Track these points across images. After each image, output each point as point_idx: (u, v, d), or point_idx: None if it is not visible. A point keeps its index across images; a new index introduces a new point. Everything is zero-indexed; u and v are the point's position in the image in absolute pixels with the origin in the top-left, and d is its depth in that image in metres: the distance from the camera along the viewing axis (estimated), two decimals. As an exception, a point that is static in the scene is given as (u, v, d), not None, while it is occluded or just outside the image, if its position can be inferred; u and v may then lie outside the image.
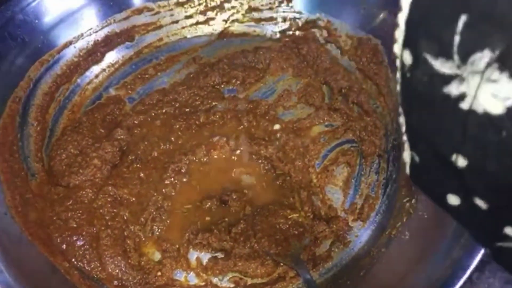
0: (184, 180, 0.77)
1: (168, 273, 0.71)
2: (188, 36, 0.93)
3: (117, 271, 0.70)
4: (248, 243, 0.71)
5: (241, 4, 0.93)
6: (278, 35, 0.93)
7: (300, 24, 0.92)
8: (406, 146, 0.32)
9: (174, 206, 0.75)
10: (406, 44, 0.29)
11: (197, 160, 0.79)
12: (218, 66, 0.89)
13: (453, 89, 0.26)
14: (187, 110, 0.85)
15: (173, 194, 0.76)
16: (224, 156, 0.80)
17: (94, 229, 0.72)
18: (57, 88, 0.83)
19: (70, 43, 0.84)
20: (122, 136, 0.80)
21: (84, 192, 0.74)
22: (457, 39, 0.25)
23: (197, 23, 0.93)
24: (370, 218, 0.76)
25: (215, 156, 0.80)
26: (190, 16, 0.93)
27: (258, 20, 0.94)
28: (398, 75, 0.30)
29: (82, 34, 0.86)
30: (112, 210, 0.74)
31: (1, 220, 0.67)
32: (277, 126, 0.83)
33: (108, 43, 0.88)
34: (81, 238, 0.71)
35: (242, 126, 0.82)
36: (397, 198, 0.76)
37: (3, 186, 0.70)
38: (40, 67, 0.81)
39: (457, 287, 0.58)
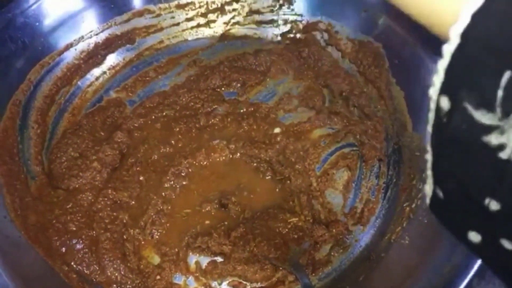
0: (184, 183, 0.77)
1: (167, 277, 0.71)
2: (189, 38, 0.93)
3: (116, 274, 0.70)
4: (248, 247, 0.71)
5: (242, 6, 0.93)
6: (279, 38, 0.93)
7: (301, 27, 0.92)
8: (429, 180, 0.32)
9: (173, 209, 0.75)
10: (444, 91, 0.29)
11: (197, 164, 0.79)
12: (219, 68, 0.89)
13: (492, 139, 0.27)
14: (188, 113, 0.84)
15: (173, 197, 0.76)
16: (224, 159, 0.79)
17: (94, 232, 0.72)
18: (57, 90, 0.83)
19: (70, 45, 0.84)
20: (122, 139, 0.80)
21: (83, 195, 0.74)
22: (500, 93, 0.25)
23: (198, 25, 0.93)
24: (370, 222, 0.76)
25: (215, 160, 0.79)
26: (191, 19, 0.93)
27: (259, 23, 0.94)
28: (431, 115, 0.30)
29: (82, 37, 0.86)
30: (111, 214, 0.74)
31: (0, 223, 0.66)
32: (277, 130, 0.83)
33: (108, 45, 0.88)
34: (81, 242, 0.71)
35: (242, 129, 0.82)
36: (397, 203, 0.75)
37: (2, 189, 0.70)
38: (40, 69, 0.81)
39: (456, 293, 0.58)
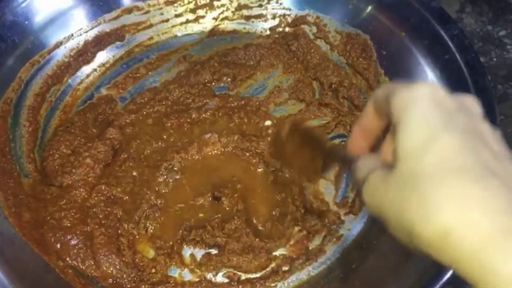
0: (177, 177, 0.78)
1: (162, 270, 0.71)
2: (179, 34, 0.94)
3: (111, 269, 0.70)
4: (242, 238, 0.72)
5: (231, 2, 0.94)
6: (268, 32, 0.94)
7: (289, 20, 0.93)
8: None
9: (167, 203, 0.76)
10: None
11: (189, 158, 0.79)
12: (209, 63, 0.89)
13: None
14: (179, 108, 0.85)
15: (166, 191, 0.77)
16: (216, 153, 0.80)
17: (88, 228, 0.72)
18: (48, 88, 0.83)
19: (60, 43, 0.85)
20: (114, 135, 0.80)
21: (77, 192, 0.75)
22: None
23: (187, 21, 0.94)
24: (362, 211, 0.77)
25: (207, 153, 0.80)
26: (180, 15, 0.93)
27: (248, 18, 0.94)
28: None
29: (72, 35, 0.86)
30: (105, 209, 0.74)
31: (-5, 221, 0.67)
32: (268, 122, 0.84)
33: (98, 43, 0.88)
34: (75, 237, 0.71)
35: (233, 123, 0.83)
36: (388, 191, 0.76)
37: (-5, 187, 0.70)
38: (30, 68, 0.81)
39: (448, 277, 0.59)
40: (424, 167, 0.35)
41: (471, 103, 0.39)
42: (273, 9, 0.93)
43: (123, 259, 0.71)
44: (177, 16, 0.93)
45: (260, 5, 0.93)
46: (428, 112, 0.36)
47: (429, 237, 0.34)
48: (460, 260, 0.33)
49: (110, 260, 0.71)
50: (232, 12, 0.94)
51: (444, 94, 0.37)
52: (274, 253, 0.73)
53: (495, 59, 0.93)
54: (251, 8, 0.94)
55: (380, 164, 0.41)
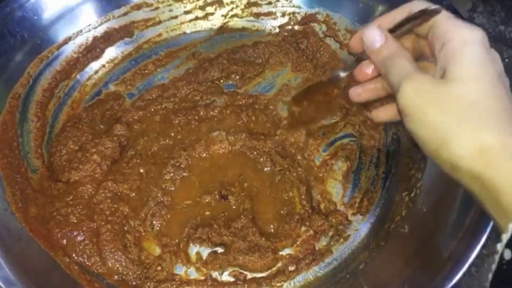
0: (184, 175, 0.78)
1: (168, 268, 0.71)
2: (187, 31, 0.93)
3: (117, 266, 0.70)
4: (249, 237, 0.71)
5: (240, -1, 0.93)
6: (277, 30, 0.93)
7: (299, 18, 0.92)
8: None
9: (174, 201, 0.76)
10: (508, 245, 0.39)
11: (196, 155, 0.79)
12: (218, 61, 0.89)
13: None
14: (187, 105, 0.85)
15: (173, 189, 0.76)
16: (223, 151, 0.80)
17: (94, 224, 0.72)
18: (56, 84, 0.83)
19: (69, 39, 0.85)
20: (121, 132, 0.80)
21: (84, 188, 0.75)
22: None
23: (196, 18, 0.93)
24: (370, 212, 0.76)
25: (215, 151, 0.80)
26: (189, 12, 0.93)
27: (257, 15, 0.94)
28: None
29: (81, 30, 0.86)
30: (112, 206, 0.74)
31: (1, 216, 0.67)
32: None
33: (107, 39, 0.88)
34: (81, 234, 0.71)
35: (241, 121, 0.82)
36: (396, 192, 0.76)
37: (3, 182, 0.70)
38: (39, 63, 0.81)
39: (456, 280, 0.58)
40: (476, 96, 0.44)
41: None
42: (282, 6, 0.92)
43: (129, 256, 0.71)
44: (186, 13, 0.93)
45: (270, 3, 0.93)
46: (482, 53, 0.45)
47: (468, 151, 0.42)
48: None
49: (116, 257, 0.70)
50: (241, 9, 0.93)
51: (489, 44, 0.47)
52: (280, 253, 0.73)
53: (507, 60, 0.92)
54: (261, 5, 0.93)
55: (415, 68, 0.48)
